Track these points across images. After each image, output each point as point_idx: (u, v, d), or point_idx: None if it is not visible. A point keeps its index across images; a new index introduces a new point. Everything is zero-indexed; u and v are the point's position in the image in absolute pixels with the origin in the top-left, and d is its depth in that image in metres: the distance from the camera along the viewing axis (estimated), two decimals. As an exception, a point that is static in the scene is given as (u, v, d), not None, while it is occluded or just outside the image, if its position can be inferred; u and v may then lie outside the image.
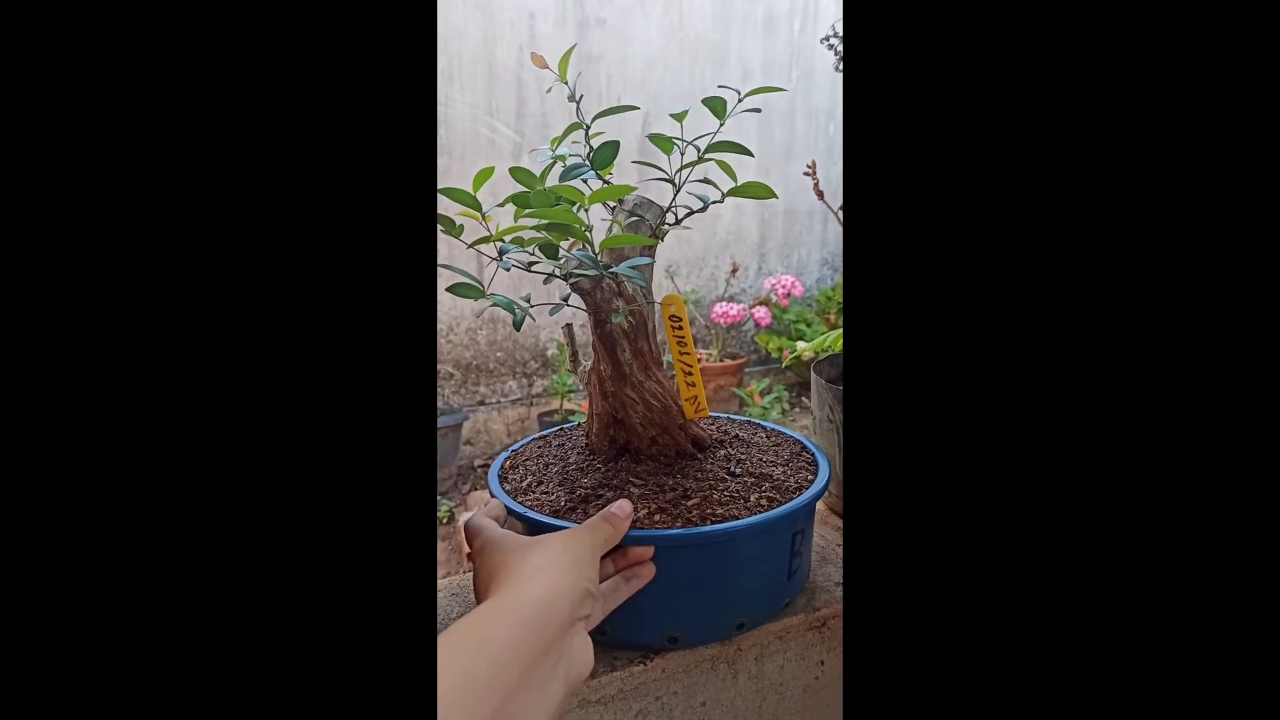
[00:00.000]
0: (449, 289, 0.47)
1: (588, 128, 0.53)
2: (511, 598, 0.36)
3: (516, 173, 0.48)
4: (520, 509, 0.51)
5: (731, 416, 0.70)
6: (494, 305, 0.47)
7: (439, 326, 2.50)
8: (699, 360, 2.65)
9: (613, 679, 0.49)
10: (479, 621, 0.34)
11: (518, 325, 0.46)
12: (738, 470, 0.56)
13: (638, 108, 0.54)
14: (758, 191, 0.51)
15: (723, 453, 0.59)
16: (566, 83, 0.52)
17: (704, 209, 0.54)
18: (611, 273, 0.51)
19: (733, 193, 0.51)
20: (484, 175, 0.49)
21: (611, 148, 0.50)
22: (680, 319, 0.56)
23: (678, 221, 0.55)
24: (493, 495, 0.54)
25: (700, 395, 0.57)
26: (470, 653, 0.32)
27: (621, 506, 0.46)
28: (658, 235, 0.55)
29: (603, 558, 0.43)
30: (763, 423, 0.68)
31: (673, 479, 0.54)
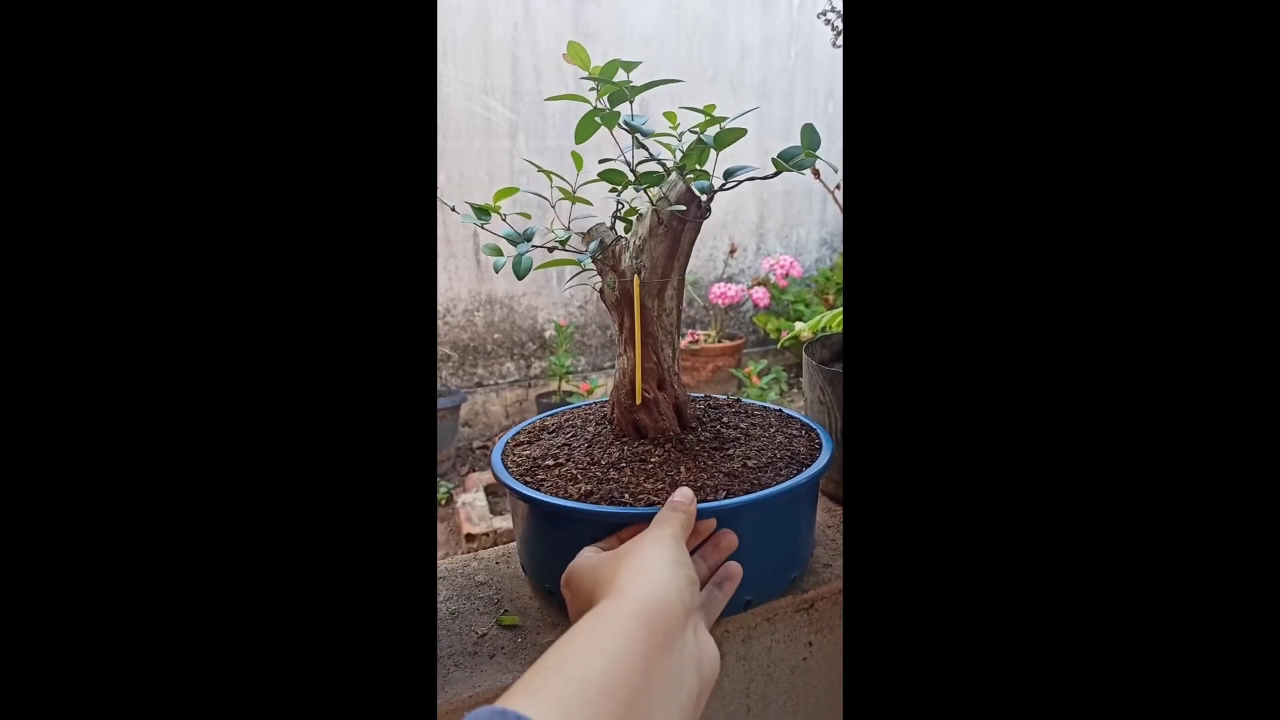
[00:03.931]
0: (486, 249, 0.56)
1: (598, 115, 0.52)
2: (615, 602, 0.34)
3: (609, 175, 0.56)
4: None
5: (769, 406, 0.66)
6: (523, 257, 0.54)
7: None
8: (696, 341, 2.63)
9: (598, 661, 0.49)
10: (589, 624, 0.33)
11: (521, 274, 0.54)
12: (622, 467, 0.55)
13: (679, 80, 0.52)
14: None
15: (647, 448, 0.57)
16: (592, 73, 0.51)
17: (729, 186, 0.53)
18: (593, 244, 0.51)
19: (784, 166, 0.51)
20: (506, 193, 0.57)
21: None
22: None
23: (710, 198, 0.54)
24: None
25: (636, 383, 0.57)
26: (583, 655, 0.30)
27: (683, 493, 0.46)
28: (679, 216, 0.54)
29: (693, 555, 0.44)
30: (793, 413, 0.64)
31: (574, 448, 0.58)
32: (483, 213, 0.56)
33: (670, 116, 0.53)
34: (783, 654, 0.57)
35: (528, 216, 0.57)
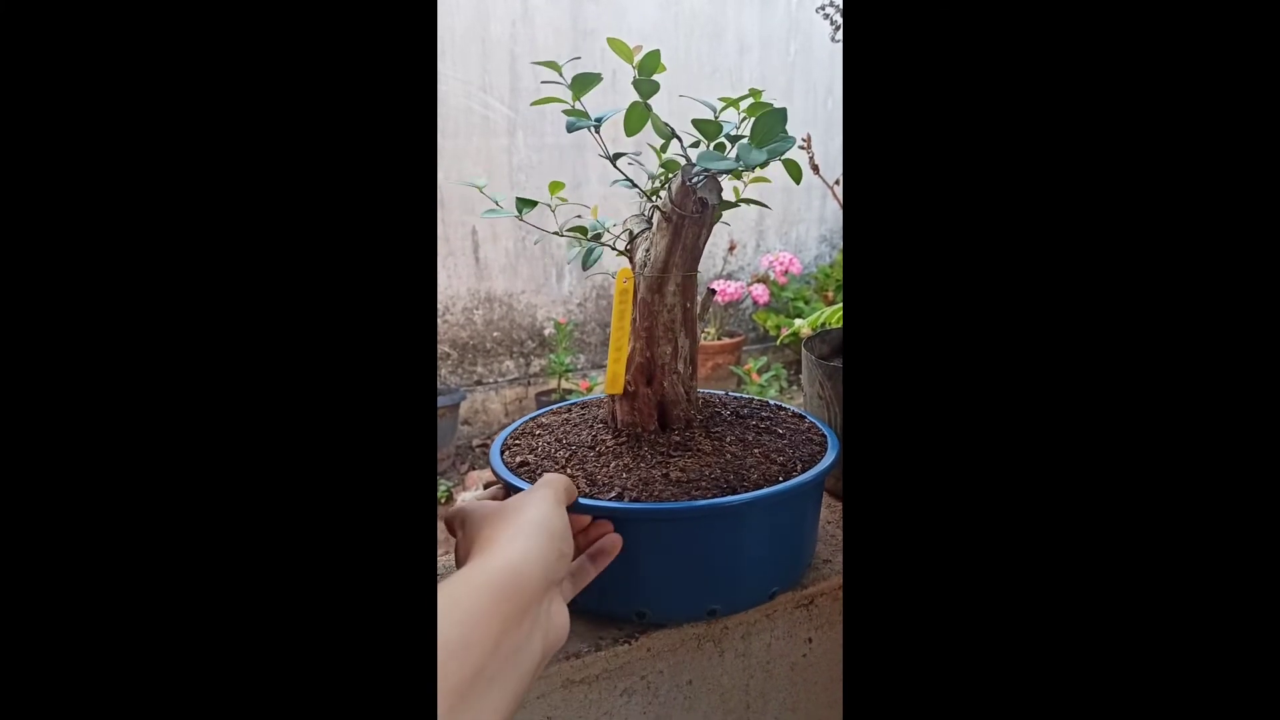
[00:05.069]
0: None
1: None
2: (480, 567, 0.36)
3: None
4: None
5: (803, 414, 0.64)
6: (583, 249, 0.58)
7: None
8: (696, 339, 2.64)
9: (597, 659, 0.49)
10: (448, 589, 0.34)
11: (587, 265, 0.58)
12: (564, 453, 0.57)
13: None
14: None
15: (604, 438, 0.57)
16: (637, 68, 0.51)
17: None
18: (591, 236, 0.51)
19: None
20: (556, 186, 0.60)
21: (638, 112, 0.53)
22: (627, 293, 0.57)
23: (698, 192, 0.54)
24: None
25: (619, 374, 0.57)
26: (440, 619, 0.32)
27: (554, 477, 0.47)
28: (678, 211, 0.54)
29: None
30: (824, 427, 0.61)
31: (555, 429, 0.61)
32: (527, 204, 0.58)
33: (732, 102, 0.53)
34: (782, 650, 0.56)
35: (591, 209, 0.59)
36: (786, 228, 3.02)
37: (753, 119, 0.51)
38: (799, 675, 0.58)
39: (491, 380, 2.66)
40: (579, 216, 0.59)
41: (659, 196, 0.56)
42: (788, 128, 0.50)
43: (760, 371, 2.49)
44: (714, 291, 0.73)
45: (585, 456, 0.55)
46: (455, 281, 2.51)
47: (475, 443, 2.54)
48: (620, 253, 0.59)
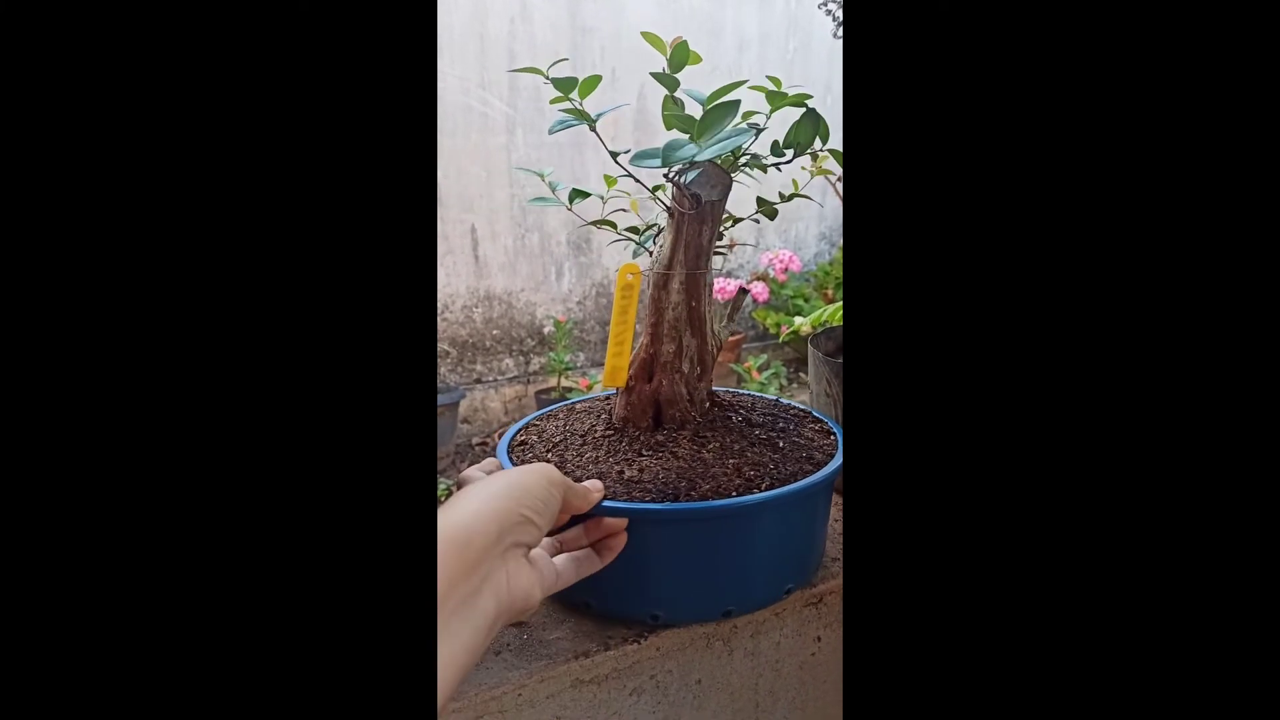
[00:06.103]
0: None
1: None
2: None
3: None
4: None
5: (817, 417, 0.62)
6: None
7: (434, 305, 2.49)
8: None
9: (606, 658, 0.49)
10: None
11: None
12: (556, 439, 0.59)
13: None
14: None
15: (598, 431, 0.58)
16: (668, 60, 0.51)
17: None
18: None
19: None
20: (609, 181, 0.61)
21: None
22: (630, 287, 0.58)
23: (685, 188, 0.54)
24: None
25: (618, 367, 0.58)
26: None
27: (594, 483, 0.48)
28: (679, 208, 0.54)
29: (580, 524, 0.47)
30: (831, 426, 0.59)
31: (561, 418, 0.62)
32: (580, 194, 0.60)
33: (770, 97, 0.53)
34: (791, 649, 0.56)
35: (631, 203, 0.62)
36: (786, 225, 3.02)
37: (775, 110, 0.51)
38: (808, 673, 0.58)
39: (491, 378, 2.66)
40: (624, 209, 0.61)
41: (664, 192, 0.56)
42: (787, 124, 0.50)
43: (760, 369, 2.49)
44: (746, 291, 0.71)
45: (569, 444, 0.56)
46: (454, 279, 2.50)
47: (475, 441, 2.54)
48: (648, 250, 0.60)
